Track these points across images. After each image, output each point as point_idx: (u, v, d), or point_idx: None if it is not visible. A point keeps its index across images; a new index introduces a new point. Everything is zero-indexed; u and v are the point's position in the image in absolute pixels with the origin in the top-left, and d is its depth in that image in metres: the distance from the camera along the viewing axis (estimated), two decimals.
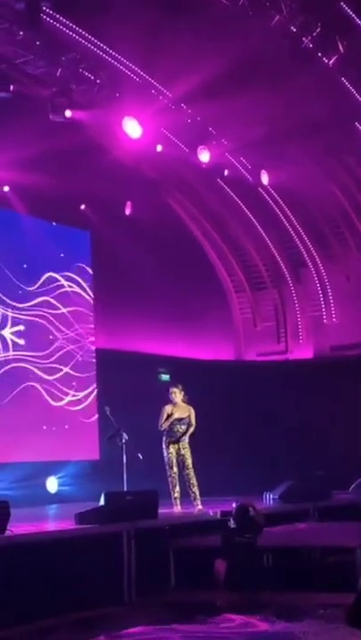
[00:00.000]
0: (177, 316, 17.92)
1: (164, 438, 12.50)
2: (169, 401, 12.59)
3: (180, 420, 12.48)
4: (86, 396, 16.32)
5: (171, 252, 17.82)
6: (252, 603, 9.02)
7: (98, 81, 14.82)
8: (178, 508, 12.25)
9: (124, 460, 12.31)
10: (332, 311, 19.24)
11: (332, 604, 8.45)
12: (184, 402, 12.58)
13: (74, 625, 8.51)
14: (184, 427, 12.51)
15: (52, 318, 16.04)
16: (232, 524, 10.08)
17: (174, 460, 12.41)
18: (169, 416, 12.45)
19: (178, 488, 12.37)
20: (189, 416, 12.51)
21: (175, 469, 12.40)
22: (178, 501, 12.34)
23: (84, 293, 16.70)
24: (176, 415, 12.45)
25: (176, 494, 12.35)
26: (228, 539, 9.95)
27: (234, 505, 10.25)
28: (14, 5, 12.73)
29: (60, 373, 16.04)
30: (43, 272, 15.98)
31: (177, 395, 12.55)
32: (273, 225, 19.34)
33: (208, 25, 13.73)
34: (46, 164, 14.23)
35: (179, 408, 12.50)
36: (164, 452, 12.45)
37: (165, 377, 17.33)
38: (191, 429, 12.50)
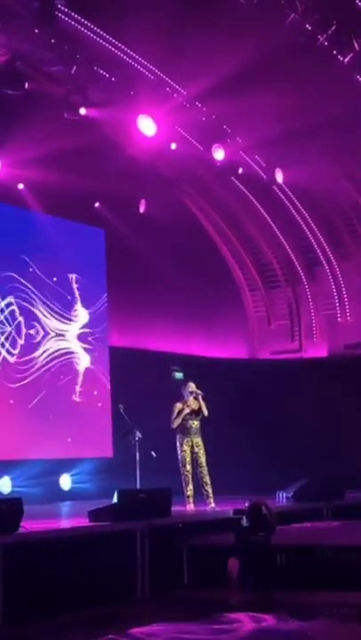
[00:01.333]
0: (191, 314, 17.91)
1: (178, 436, 12.51)
2: (182, 397, 12.62)
3: (192, 413, 12.51)
4: (100, 394, 16.34)
5: (185, 250, 17.81)
6: (265, 601, 9.02)
7: (113, 79, 14.81)
8: (191, 506, 12.27)
9: (138, 458, 12.35)
10: (346, 310, 19.19)
11: (345, 604, 8.44)
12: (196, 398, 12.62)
13: (86, 622, 8.52)
14: (197, 422, 12.55)
15: (66, 316, 16.08)
16: (245, 522, 10.08)
17: (188, 458, 12.42)
18: (180, 412, 12.47)
19: (191, 486, 12.39)
20: (200, 407, 12.53)
21: (188, 467, 12.41)
22: (191, 499, 12.35)
23: (98, 291, 16.71)
24: (188, 409, 12.48)
25: (189, 492, 12.36)
26: (241, 537, 9.95)
27: (247, 504, 10.25)
28: (29, 4, 12.75)
29: (75, 371, 16.07)
30: (57, 270, 16.01)
31: (193, 389, 12.61)
32: (287, 223, 19.30)
33: (223, 23, 13.70)
34: (61, 162, 14.25)
35: (190, 403, 12.55)
36: (178, 449, 12.47)
37: (179, 375, 17.32)
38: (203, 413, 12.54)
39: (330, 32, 14.15)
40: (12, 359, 15.06)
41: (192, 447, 12.48)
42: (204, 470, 12.50)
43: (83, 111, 14.55)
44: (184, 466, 12.42)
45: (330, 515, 12.88)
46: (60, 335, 15.99)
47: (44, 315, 15.71)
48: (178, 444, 12.49)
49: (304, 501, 13.11)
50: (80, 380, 16.14)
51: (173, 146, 16.32)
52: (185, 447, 12.44)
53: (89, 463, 15.76)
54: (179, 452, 12.47)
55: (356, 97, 15.45)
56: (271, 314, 20.08)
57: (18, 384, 15.12)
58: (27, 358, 15.35)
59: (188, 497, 12.36)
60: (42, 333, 15.66)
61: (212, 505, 12.38)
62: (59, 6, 13.17)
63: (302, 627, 7.98)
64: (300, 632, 7.79)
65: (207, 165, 17.44)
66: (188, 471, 12.42)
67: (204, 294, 18.22)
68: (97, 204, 16.80)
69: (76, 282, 16.33)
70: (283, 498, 13.33)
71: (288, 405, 17.84)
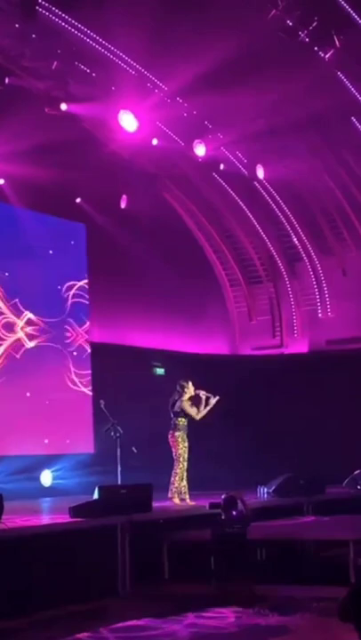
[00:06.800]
0: (172, 309, 17.91)
1: (180, 432, 12.49)
2: (181, 395, 12.66)
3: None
4: (81, 390, 16.31)
5: (166, 245, 17.80)
6: (246, 596, 9.05)
7: (94, 74, 14.79)
8: (177, 501, 12.24)
9: (119, 454, 12.33)
10: (327, 305, 19.24)
11: (325, 598, 8.48)
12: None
13: (68, 618, 8.52)
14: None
15: (47, 312, 16.03)
16: (222, 515, 10.14)
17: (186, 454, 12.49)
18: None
19: (184, 482, 12.42)
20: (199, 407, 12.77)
21: (185, 464, 12.45)
22: (177, 495, 12.33)
23: (79, 287, 16.68)
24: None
25: (184, 488, 12.36)
26: (217, 531, 9.99)
27: (223, 496, 10.29)
28: None
29: (55, 366, 16.02)
30: (38, 265, 15.94)
31: (192, 390, 12.77)
32: (269, 219, 19.33)
33: (204, 19, 13.69)
34: (42, 157, 14.19)
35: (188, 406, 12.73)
36: (179, 445, 12.45)
37: (160, 371, 17.33)
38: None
39: (311, 28, 14.16)
40: None
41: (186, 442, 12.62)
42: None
43: (64, 106, 14.50)
44: (185, 461, 12.44)
45: (311, 510, 12.92)
46: (40, 331, 15.93)
47: (23, 309, 15.65)
48: (179, 440, 12.48)
49: (285, 497, 13.14)
50: (61, 375, 16.09)
51: (155, 141, 16.31)
52: (186, 444, 12.50)
53: (70, 459, 15.71)
54: (181, 447, 12.45)
55: (337, 93, 15.48)
56: (252, 310, 20.11)
57: None
58: (6, 354, 15.30)
59: (178, 492, 12.32)
60: (21, 328, 15.61)
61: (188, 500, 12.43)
62: (40, 1, 13.12)
63: (283, 621, 8.02)
64: (280, 626, 7.83)
65: (189, 161, 17.43)
66: (184, 467, 12.45)
67: (186, 290, 18.22)
68: (78, 200, 16.75)
69: (57, 277, 16.28)
70: (264, 493, 13.36)
71: (269, 401, 17.87)
